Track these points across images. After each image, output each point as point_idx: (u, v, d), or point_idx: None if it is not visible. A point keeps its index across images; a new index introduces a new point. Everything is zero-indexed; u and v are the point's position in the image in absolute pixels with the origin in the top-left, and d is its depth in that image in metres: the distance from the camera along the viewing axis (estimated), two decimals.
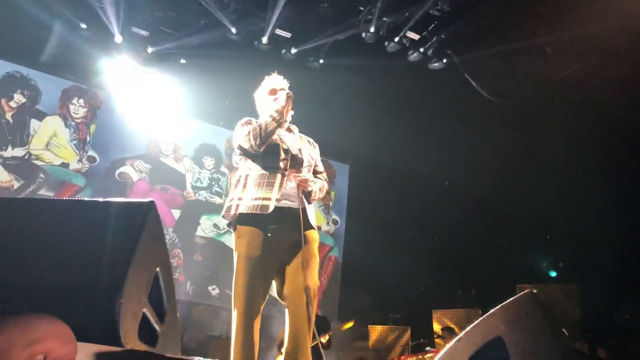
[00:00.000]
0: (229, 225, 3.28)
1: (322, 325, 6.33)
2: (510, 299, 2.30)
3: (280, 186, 3.16)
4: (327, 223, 9.66)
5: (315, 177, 3.45)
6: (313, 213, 3.34)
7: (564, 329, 2.35)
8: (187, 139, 8.55)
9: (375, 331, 8.10)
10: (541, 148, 8.33)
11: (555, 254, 8.45)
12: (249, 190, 3.17)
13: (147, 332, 2.02)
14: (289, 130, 3.48)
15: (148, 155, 8.20)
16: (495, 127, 8.43)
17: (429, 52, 7.62)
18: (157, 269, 2.18)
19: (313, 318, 3.07)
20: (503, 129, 8.45)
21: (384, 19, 7.14)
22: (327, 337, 6.19)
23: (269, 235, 3.09)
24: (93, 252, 2.07)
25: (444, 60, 7.76)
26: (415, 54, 7.61)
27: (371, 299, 8.82)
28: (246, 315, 3.00)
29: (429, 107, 8.60)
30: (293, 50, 7.67)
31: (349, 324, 6.60)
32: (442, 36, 7.38)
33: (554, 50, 7.28)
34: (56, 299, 1.96)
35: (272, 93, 3.41)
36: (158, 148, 8.30)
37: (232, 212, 3.16)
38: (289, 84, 3.49)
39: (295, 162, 3.31)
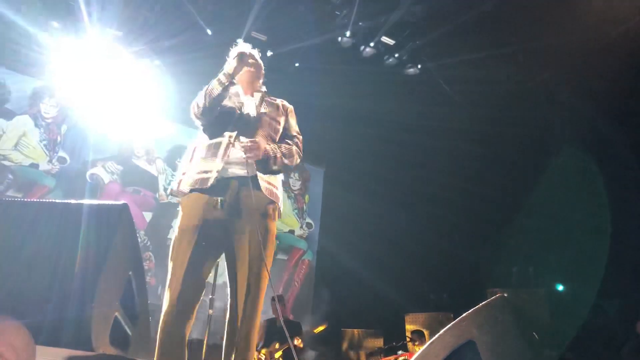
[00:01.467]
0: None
1: (293, 330, 6.31)
2: (483, 303, 2.33)
3: (224, 155, 2.80)
4: (301, 227, 9.65)
5: (284, 142, 3.09)
6: (278, 184, 2.98)
7: (534, 333, 2.39)
8: (160, 140, 8.45)
9: (348, 334, 8.11)
10: (517, 156, 8.47)
11: (526, 259, 8.57)
12: (195, 163, 2.87)
13: (118, 336, 1.99)
14: (252, 94, 3.15)
15: (120, 156, 8.09)
16: (472, 132, 8.53)
17: (404, 58, 7.70)
18: (130, 272, 2.15)
19: (256, 321, 2.69)
20: (479, 136, 8.56)
21: (360, 24, 7.18)
22: (299, 340, 6.16)
23: (217, 207, 2.73)
24: (64, 255, 2.04)
25: (419, 66, 7.85)
26: (390, 59, 7.68)
27: (344, 303, 8.84)
28: (175, 303, 2.54)
29: (403, 111, 8.67)
30: (269, 53, 7.66)
31: (321, 327, 6.58)
32: (417, 42, 7.46)
33: (525, 58, 7.42)
34: (26, 302, 1.92)
35: (234, 56, 3.11)
36: (130, 149, 8.19)
37: (175, 188, 2.86)
38: (259, 53, 3.24)
39: (249, 128, 2.94)
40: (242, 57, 3.00)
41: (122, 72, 7.48)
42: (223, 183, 2.75)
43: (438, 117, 8.51)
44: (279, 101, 3.23)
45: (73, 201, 2.23)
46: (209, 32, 7.22)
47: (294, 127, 3.22)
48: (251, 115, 3.00)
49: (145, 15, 7.20)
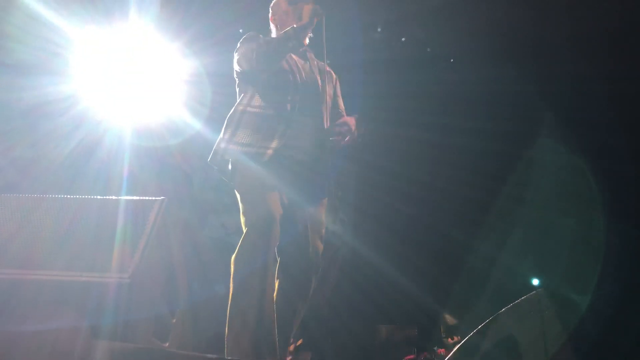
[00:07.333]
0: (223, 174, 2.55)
1: None
2: (522, 298, 2.30)
3: (284, 130, 2.40)
4: (334, 222, 9.61)
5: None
6: None
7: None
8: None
9: (382, 330, 8.09)
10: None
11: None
12: (242, 132, 2.44)
13: (159, 329, 2.02)
14: (305, 56, 2.65)
15: None
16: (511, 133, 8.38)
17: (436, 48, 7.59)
18: (169, 265, 2.18)
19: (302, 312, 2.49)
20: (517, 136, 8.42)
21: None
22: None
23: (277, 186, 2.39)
24: (105, 249, 2.07)
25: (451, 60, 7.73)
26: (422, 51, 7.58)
27: (378, 299, 8.81)
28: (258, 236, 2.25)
29: (434, 103, 8.56)
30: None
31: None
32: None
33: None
34: (68, 295, 1.96)
35: (291, 4, 2.61)
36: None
37: (218, 157, 2.47)
38: None
39: (310, 99, 2.50)
40: (315, 14, 2.47)
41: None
42: (278, 162, 2.40)
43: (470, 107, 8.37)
44: (327, 66, 2.67)
45: (113, 197, 2.27)
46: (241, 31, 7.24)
47: (341, 102, 2.76)
48: (312, 84, 2.55)
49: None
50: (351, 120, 2.50)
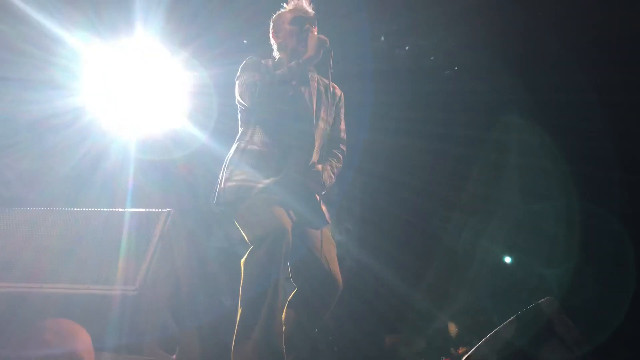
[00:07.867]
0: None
1: None
2: (531, 306, 2.28)
3: (280, 169, 2.28)
4: (340, 232, 9.58)
5: (332, 147, 2.51)
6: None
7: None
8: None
9: (389, 341, 8.05)
10: None
11: None
12: (239, 169, 2.31)
13: (166, 341, 2.01)
14: (306, 80, 2.41)
15: None
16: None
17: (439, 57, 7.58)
18: (176, 277, 2.18)
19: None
20: None
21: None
22: None
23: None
24: (111, 261, 2.08)
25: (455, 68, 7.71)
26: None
27: (384, 310, 8.76)
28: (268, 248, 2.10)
29: (439, 112, 8.54)
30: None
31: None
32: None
33: None
34: (74, 308, 1.96)
35: (295, 24, 2.41)
36: None
37: (220, 200, 2.33)
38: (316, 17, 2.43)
39: (307, 133, 2.35)
40: (322, 45, 2.30)
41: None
42: (275, 189, 2.29)
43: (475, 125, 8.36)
44: (331, 84, 2.47)
45: (119, 209, 2.27)
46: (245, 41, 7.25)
47: (343, 125, 2.56)
48: (310, 113, 2.37)
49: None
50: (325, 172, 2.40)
